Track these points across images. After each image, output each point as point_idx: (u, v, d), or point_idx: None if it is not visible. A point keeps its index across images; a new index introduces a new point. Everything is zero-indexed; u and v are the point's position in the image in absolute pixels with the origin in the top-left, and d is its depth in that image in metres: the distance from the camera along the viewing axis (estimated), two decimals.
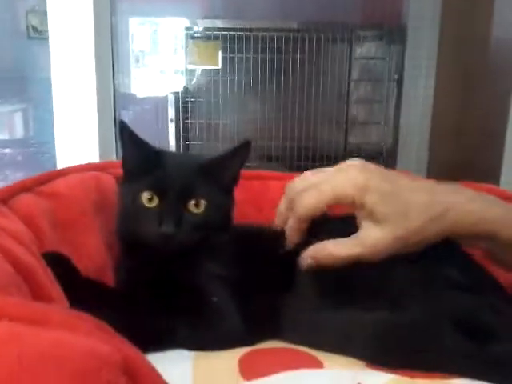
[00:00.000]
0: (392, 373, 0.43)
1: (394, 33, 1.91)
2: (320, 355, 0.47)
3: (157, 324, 0.50)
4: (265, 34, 1.98)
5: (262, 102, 2.04)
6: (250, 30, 1.98)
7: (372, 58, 2.00)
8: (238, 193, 0.63)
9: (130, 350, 0.33)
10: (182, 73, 2.06)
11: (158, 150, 0.60)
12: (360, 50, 2.01)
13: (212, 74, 2.04)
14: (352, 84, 2.04)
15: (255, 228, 0.65)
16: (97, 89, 1.04)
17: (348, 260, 0.53)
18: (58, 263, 0.50)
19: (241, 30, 1.98)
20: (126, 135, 0.57)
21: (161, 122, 2.02)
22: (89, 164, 0.71)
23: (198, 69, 2.07)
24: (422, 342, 0.46)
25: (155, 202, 0.55)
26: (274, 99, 2.04)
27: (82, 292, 0.50)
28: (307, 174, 0.59)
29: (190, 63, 2.04)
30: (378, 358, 0.45)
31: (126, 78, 2.17)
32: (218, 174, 0.59)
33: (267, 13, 2.14)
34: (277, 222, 0.61)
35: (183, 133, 2.03)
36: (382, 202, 0.52)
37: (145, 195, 0.56)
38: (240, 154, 0.60)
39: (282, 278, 0.56)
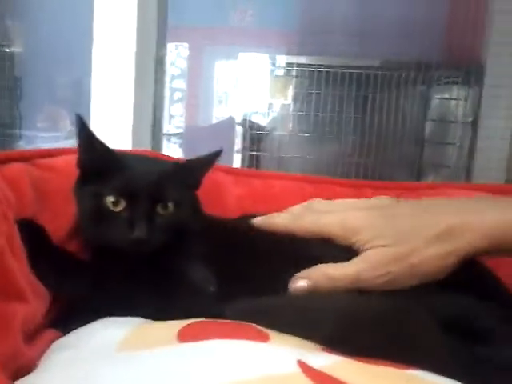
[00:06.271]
0: (343, 356, 0.39)
1: (471, 74, 1.83)
2: (271, 333, 0.44)
3: (121, 293, 0.51)
4: (344, 71, 1.99)
5: (336, 139, 2.03)
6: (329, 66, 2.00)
7: (448, 99, 1.94)
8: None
9: None
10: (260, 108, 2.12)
11: (118, 152, 0.57)
12: (437, 91, 1.95)
13: (283, 109, 2.08)
14: (427, 124, 1.98)
15: (229, 220, 0.64)
16: None
17: (346, 280, 0.50)
18: (29, 229, 0.51)
19: (319, 66, 2.00)
20: (83, 134, 0.54)
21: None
22: None
23: (275, 103, 2.12)
24: (394, 331, 0.41)
25: (122, 206, 0.53)
26: (349, 137, 2.03)
27: (47, 258, 0.52)
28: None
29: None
30: (338, 343, 0.41)
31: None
32: (188, 177, 0.58)
33: (347, 50, 2.16)
34: (282, 220, 0.58)
35: (249, 164, 2.07)
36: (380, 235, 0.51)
37: (109, 199, 0.53)
38: (213, 161, 0.60)
39: (252, 268, 0.54)
